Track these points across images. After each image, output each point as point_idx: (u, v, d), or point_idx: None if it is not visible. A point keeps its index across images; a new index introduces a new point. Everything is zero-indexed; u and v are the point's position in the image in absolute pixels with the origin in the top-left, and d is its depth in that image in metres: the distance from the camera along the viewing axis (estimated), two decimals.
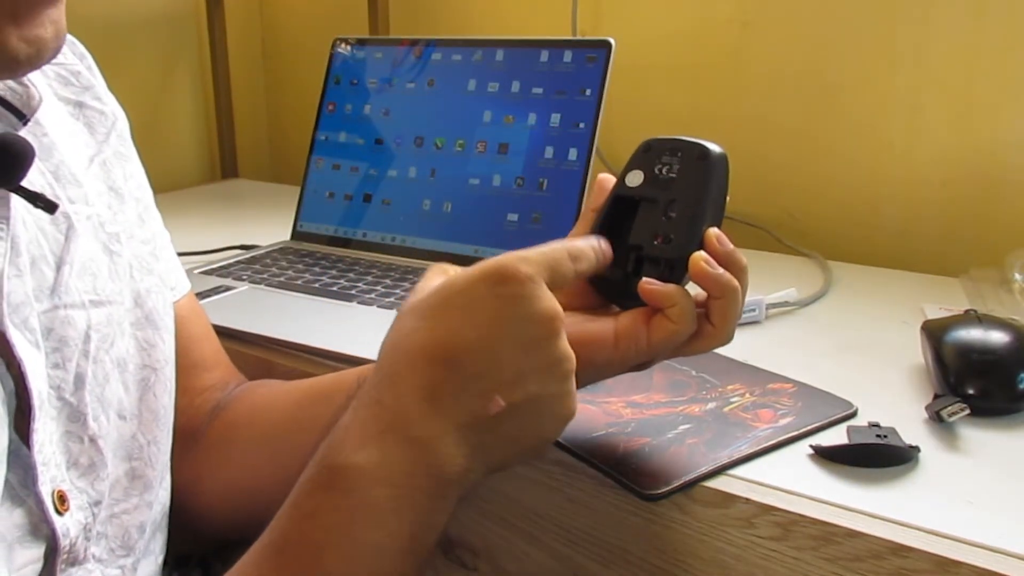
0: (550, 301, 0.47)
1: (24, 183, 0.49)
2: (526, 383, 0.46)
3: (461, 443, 0.46)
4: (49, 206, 0.50)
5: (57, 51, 0.46)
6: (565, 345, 0.47)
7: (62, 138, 0.56)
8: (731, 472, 0.56)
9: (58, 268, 0.52)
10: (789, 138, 1.12)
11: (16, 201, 0.49)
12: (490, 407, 0.46)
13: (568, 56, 0.93)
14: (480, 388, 0.46)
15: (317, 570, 0.44)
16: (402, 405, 0.46)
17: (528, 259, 0.47)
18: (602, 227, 0.55)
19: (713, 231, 0.53)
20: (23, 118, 0.52)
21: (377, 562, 0.45)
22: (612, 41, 0.90)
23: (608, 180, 0.57)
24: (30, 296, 0.49)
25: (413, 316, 0.48)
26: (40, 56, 0.45)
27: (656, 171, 0.55)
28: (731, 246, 0.53)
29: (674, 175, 0.54)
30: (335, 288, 0.90)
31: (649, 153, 0.56)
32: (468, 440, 0.46)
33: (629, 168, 0.56)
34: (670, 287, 0.52)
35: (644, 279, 0.52)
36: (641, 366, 0.55)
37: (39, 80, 0.55)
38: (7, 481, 0.47)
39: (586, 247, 0.52)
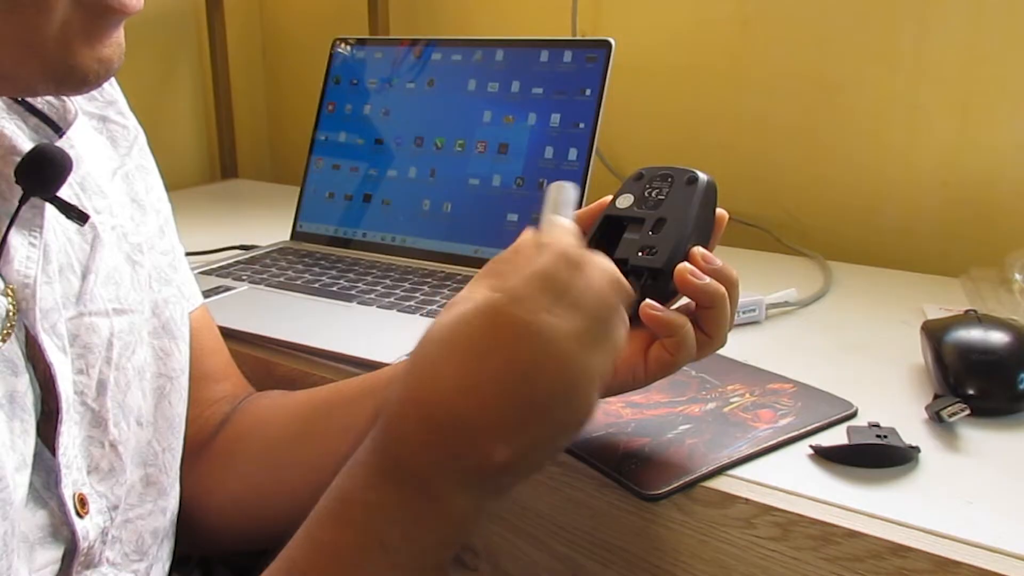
0: (549, 342, 0.43)
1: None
2: (530, 429, 0.43)
3: (470, 488, 0.44)
4: (81, 216, 0.51)
5: (118, 70, 0.47)
6: (573, 382, 0.44)
7: (88, 151, 0.57)
8: (731, 472, 0.56)
9: (84, 276, 0.53)
10: (789, 138, 1.12)
11: (49, 211, 0.50)
12: (495, 457, 0.43)
13: (568, 56, 0.93)
14: (479, 441, 0.43)
15: None
16: (402, 452, 0.44)
17: (517, 295, 0.43)
18: (590, 246, 0.55)
19: (698, 249, 0.53)
20: (59, 131, 0.53)
21: None
22: (612, 41, 0.90)
23: (605, 202, 0.58)
24: (58, 303, 0.51)
25: (418, 353, 0.45)
26: (106, 75, 0.46)
27: (646, 195, 0.56)
28: (719, 263, 0.53)
29: (663, 197, 0.56)
30: (335, 288, 0.90)
31: (640, 180, 0.57)
32: (477, 484, 0.44)
33: (620, 192, 0.58)
34: (673, 315, 0.51)
35: (647, 302, 0.52)
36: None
37: None
38: (31, 483, 0.48)
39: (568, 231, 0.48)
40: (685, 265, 0.52)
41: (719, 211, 0.56)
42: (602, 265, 0.47)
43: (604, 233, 0.56)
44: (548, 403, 0.43)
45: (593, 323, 0.45)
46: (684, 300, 0.55)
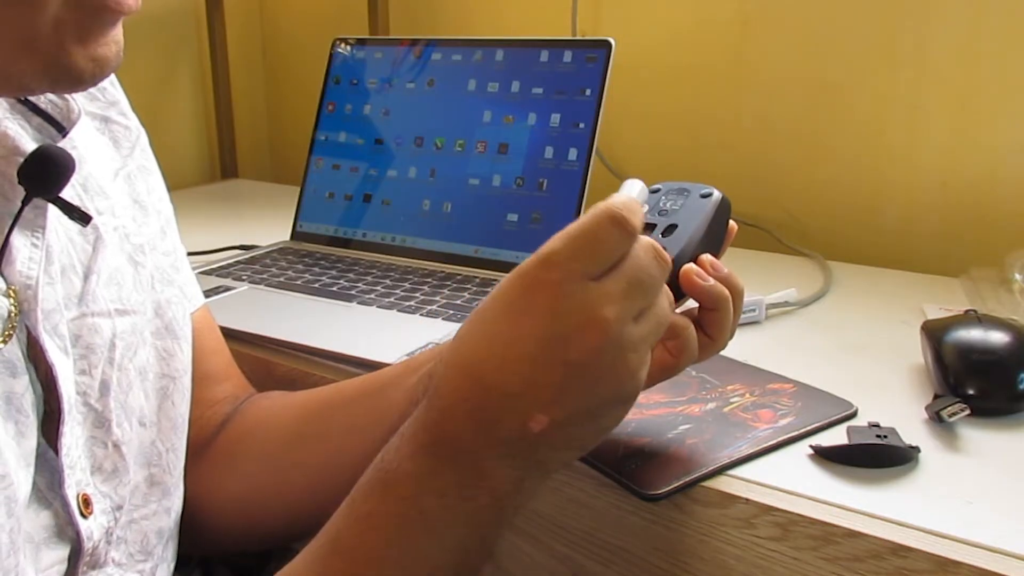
0: (585, 306, 0.43)
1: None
2: (568, 397, 0.43)
3: (509, 459, 0.44)
4: (83, 217, 0.51)
5: (116, 68, 0.46)
6: (613, 350, 0.43)
7: (90, 151, 0.57)
8: (731, 472, 0.56)
9: (86, 277, 0.53)
10: (789, 138, 1.12)
11: (51, 211, 0.50)
12: (531, 426, 0.44)
13: (568, 56, 0.93)
14: (517, 407, 0.43)
15: (372, 574, 0.44)
16: (447, 419, 0.45)
17: (553, 258, 0.43)
18: None
19: (707, 257, 0.53)
20: (62, 131, 0.53)
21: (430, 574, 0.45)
22: (612, 41, 0.90)
23: None
24: (60, 304, 0.51)
25: (466, 324, 0.46)
26: (103, 74, 0.45)
27: (660, 205, 0.57)
28: (726, 270, 0.53)
29: (677, 208, 0.57)
30: (335, 288, 0.90)
31: (657, 193, 0.58)
32: (517, 455, 0.44)
33: None
34: (676, 316, 0.51)
35: None
36: None
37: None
38: (35, 484, 0.48)
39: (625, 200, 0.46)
40: (691, 266, 0.52)
41: (730, 223, 0.57)
42: (643, 238, 0.46)
43: None
44: (584, 369, 0.43)
45: (634, 288, 0.44)
46: (686, 306, 0.55)
